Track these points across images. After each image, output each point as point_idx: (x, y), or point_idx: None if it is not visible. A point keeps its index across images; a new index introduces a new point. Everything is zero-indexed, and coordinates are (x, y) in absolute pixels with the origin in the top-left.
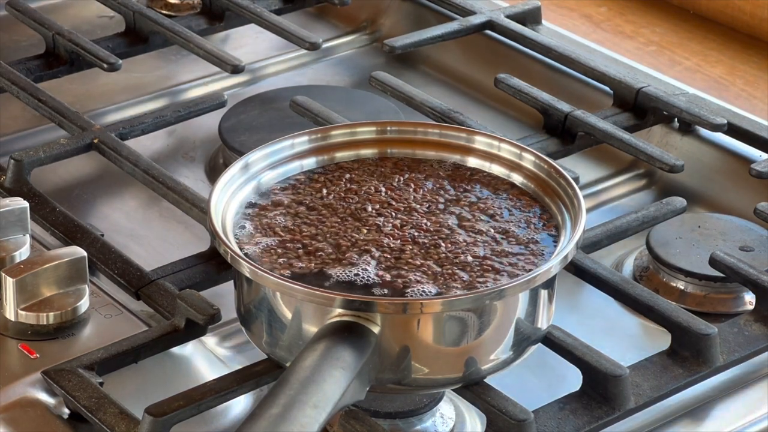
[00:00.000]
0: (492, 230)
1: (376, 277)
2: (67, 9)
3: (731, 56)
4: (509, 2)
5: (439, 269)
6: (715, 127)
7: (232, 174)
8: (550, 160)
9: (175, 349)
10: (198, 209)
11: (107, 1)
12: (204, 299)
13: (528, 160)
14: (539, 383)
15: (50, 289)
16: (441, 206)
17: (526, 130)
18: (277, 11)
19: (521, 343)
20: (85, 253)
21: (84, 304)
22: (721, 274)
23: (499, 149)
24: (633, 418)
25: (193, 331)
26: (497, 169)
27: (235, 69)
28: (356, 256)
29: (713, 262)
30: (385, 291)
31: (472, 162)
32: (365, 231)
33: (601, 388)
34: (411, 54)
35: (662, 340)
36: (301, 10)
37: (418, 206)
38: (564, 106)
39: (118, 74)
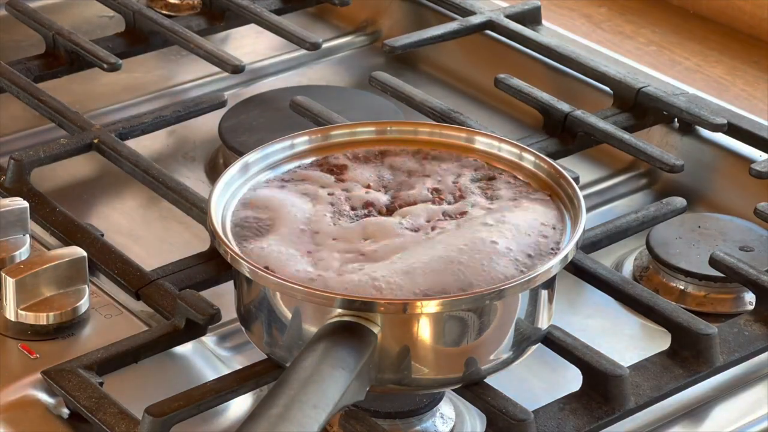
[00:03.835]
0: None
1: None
2: (67, 9)
3: (731, 56)
4: (509, 2)
5: None
6: (715, 127)
7: (231, 174)
8: (550, 160)
9: (175, 349)
10: (198, 209)
11: (107, 1)
12: (204, 299)
13: (528, 160)
14: (539, 383)
15: (50, 289)
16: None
17: (526, 130)
18: (277, 11)
19: (521, 343)
20: (85, 253)
21: (84, 304)
22: (721, 274)
23: (499, 149)
24: (633, 418)
25: (193, 331)
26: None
27: (235, 69)
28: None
29: (713, 262)
30: None
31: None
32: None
33: (601, 388)
34: (411, 54)
35: (662, 340)
36: (301, 10)
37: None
38: (564, 106)
39: (118, 74)
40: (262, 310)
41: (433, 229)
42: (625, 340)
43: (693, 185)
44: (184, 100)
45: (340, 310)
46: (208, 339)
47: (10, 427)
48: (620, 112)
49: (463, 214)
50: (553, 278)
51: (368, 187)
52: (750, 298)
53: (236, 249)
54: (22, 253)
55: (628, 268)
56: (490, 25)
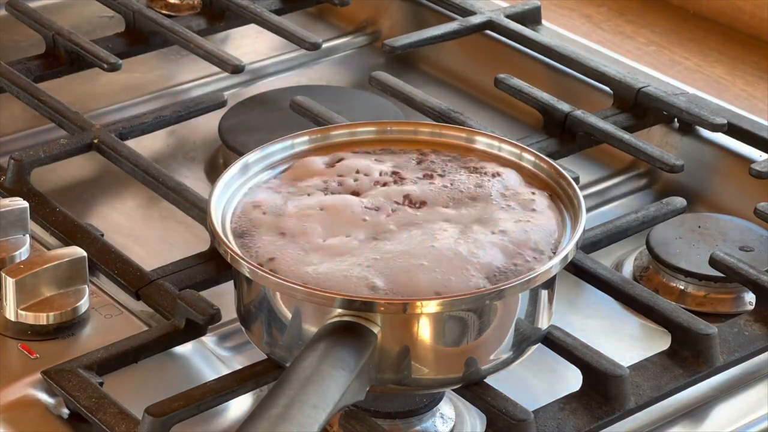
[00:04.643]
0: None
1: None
2: (67, 9)
3: (731, 56)
4: (509, 2)
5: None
6: (715, 127)
7: (231, 174)
8: (550, 160)
9: (175, 349)
10: (198, 209)
11: (107, 1)
12: (204, 299)
13: (528, 160)
14: (539, 383)
15: (50, 289)
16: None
17: (526, 130)
18: (277, 11)
19: (521, 343)
20: (85, 253)
21: (84, 304)
22: (721, 274)
23: (499, 149)
24: (633, 418)
25: (193, 331)
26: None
27: (235, 69)
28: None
29: (713, 262)
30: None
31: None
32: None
33: (601, 388)
34: (411, 54)
35: (662, 340)
36: (301, 10)
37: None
38: (564, 106)
39: (118, 74)
40: (262, 310)
41: (393, 211)
42: (625, 340)
43: (693, 185)
44: (184, 100)
45: (340, 310)
46: (208, 339)
47: (10, 427)
48: (620, 112)
49: (423, 204)
50: (553, 278)
51: (357, 172)
52: (750, 298)
53: (236, 249)
54: (22, 253)
55: (628, 268)
56: (490, 25)
